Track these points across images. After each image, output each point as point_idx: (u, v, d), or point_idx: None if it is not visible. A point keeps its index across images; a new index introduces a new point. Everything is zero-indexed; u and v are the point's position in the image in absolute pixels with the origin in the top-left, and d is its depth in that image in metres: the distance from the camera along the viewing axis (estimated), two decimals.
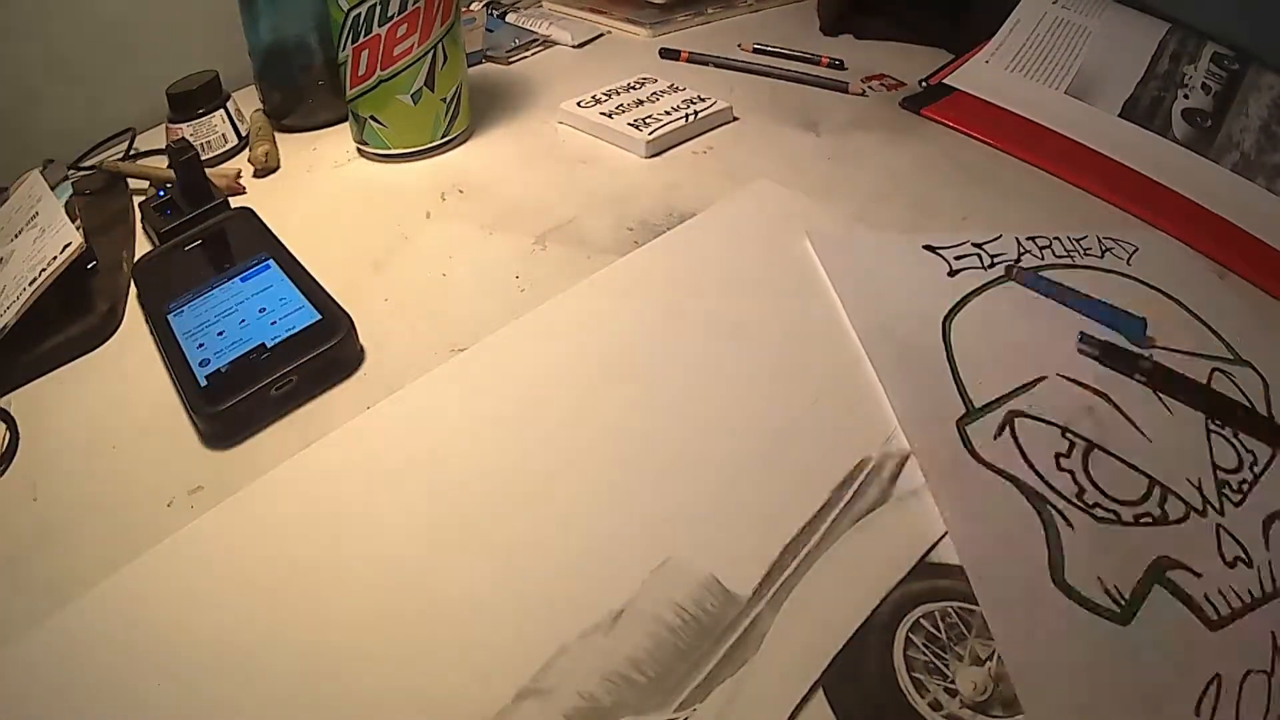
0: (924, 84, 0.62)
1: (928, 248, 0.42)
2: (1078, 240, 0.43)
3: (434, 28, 0.49)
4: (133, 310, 0.43)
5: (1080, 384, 0.34)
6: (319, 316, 0.38)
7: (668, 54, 0.64)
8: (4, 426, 0.36)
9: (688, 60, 0.64)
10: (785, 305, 0.40)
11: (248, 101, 0.59)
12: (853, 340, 0.37)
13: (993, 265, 0.41)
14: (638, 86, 0.57)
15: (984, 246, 0.43)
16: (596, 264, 0.42)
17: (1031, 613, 0.26)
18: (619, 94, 0.56)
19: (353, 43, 0.48)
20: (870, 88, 0.62)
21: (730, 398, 0.35)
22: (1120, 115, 0.56)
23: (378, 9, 0.47)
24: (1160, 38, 0.61)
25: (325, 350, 0.37)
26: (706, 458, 0.32)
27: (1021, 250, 0.42)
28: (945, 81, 0.61)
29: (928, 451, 0.31)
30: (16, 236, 0.47)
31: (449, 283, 0.42)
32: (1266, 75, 0.60)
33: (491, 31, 0.67)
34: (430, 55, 0.49)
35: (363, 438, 0.34)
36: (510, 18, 0.70)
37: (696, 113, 0.54)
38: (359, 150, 0.54)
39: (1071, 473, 0.31)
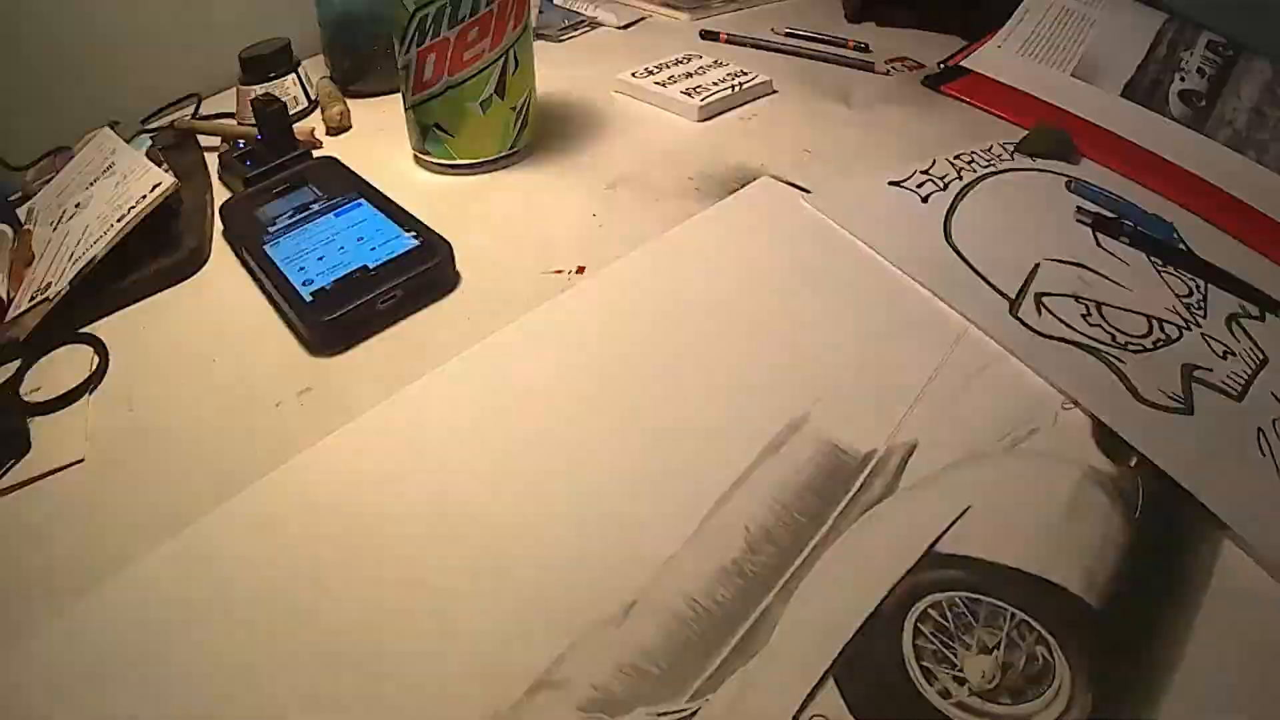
0: (942, 66, 0.66)
1: (892, 183, 0.48)
2: (986, 150, 0.53)
3: (506, 31, 0.46)
4: (219, 250, 0.45)
5: (1064, 261, 0.43)
6: (417, 242, 0.41)
7: (708, 35, 0.68)
8: (92, 350, 0.38)
9: (726, 41, 0.68)
10: (800, 293, 0.41)
11: (314, 71, 0.61)
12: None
13: (945, 187, 0.48)
14: (684, 61, 0.61)
15: (930, 172, 0.50)
16: (664, 206, 0.46)
17: (1144, 424, 0.33)
18: (668, 67, 0.60)
19: (418, 45, 0.45)
20: (894, 68, 0.66)
21: (743, 390, 0.35)
22: (1121, 95, 0.61)
23: (448, 10, 0.44)
24: (1158, 27, 0.66)
25: (427, 269, 0.39)
26: (713, 451, 0.32)
27: (956, 168, 0.50)
28: (962, 64, 0.66)
29: (1010, 341, 0.37)
30: (92, 184, 0.49)
31: (533, 219, 0.45)
32: (1257, 61, 0.65)
33: (543, 12, 0.71)
34: (502, 60, 0.47)
35: (394, 413, 0.34)
36: (559, 0, 0.73)
37: (740, 84, 0.57)
38: (416, 159, 0.51)
39: (1100, 325, 0.38)
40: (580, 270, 0.41)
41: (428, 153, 0.50)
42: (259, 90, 0.55)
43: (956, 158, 0.51)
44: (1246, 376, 0.37)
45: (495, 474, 0.31)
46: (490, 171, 0.50)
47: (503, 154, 0.50)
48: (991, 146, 0.53)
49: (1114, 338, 0.38)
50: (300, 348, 0.37)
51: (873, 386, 0.35)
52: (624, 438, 0.33)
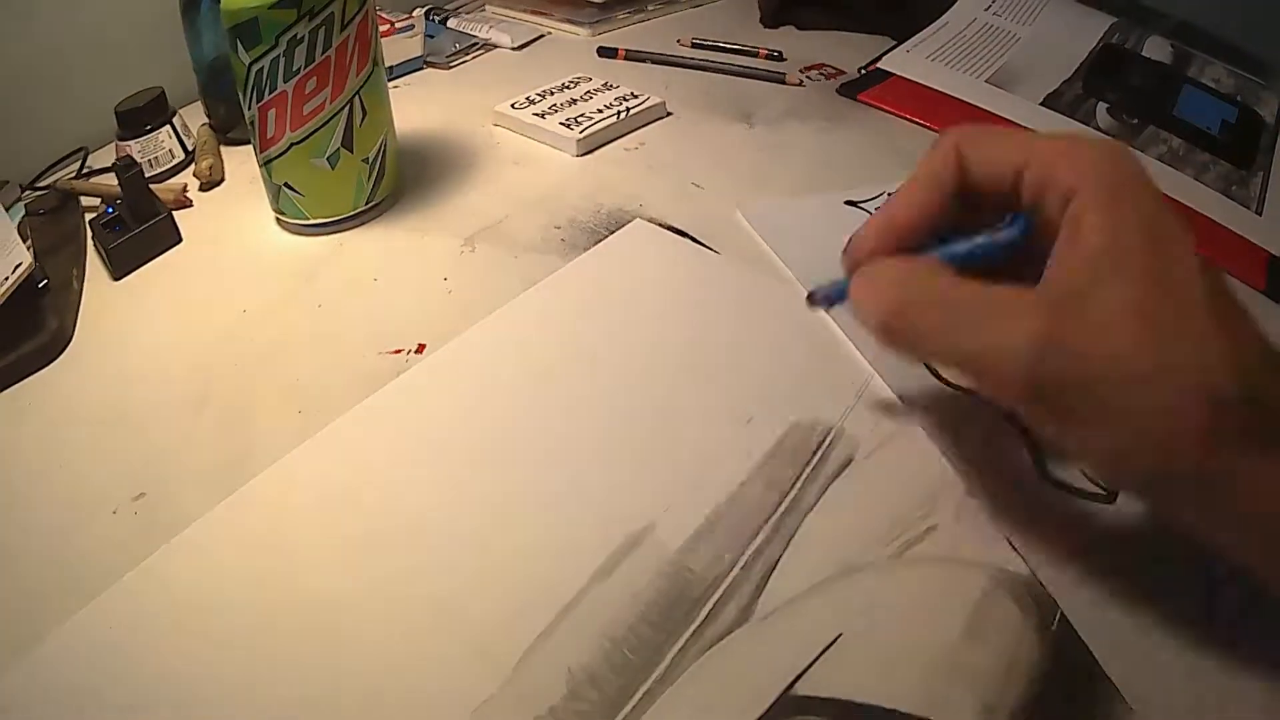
0: (863, 70, 0.63)
1: (850, 203, 0.47)
2: None
3: (348, 79, 0.43)
4: (86, 325, 0.44)
5: None
6: None
7: (605, 52, 0.66)
8: None
9: (625, 58, 0.65)
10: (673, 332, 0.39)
11: (196, 116, 0.60)
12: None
13: None
14: (572, 86, 0.58)
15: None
16: (522, 265, 0.44)
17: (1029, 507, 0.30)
18: (553, 94, 0.57)
19: (258, 100, 0.43)
20: (809, 77, 0.63)
21: (576, 500, 0.32)
22: (1042, 105, 0.58)
23: (281, 62, 0.41)
24: (1091, 46, 0.63)
25: None
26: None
27: None
28: (880, 66, 0.63)
29: (907, 389, 0.35)
30: None
31: (382, 284, 0.44)
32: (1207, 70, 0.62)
33: (432, 37, 0.68)
34: (346, 111, 0.44)
35: (298, 467, 0.33)
36: (452, 22, 0.71)
37: (629, 109, 0.55)
38: (278, 220, 0.49)
39: None
40: (420, 349, 0.39)
41: (283, 212, 0.48)
42: (134, 146, 0.54)
43: None
44: None
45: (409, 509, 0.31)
46: (346, 230, 0.48)
47: (359, 209, 0.48)
48: None
49: None
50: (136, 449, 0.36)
51: (733, 484, 0.31)
52: (435, 565, 0.29)
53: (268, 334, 0.41)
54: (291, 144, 0.44)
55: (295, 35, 0.41)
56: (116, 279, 0.47)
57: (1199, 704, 0.24)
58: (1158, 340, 0.20)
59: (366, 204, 0.48)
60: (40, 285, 0.47)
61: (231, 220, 0.49)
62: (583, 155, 0.53)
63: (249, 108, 0.44)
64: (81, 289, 0.47)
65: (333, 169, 0.45)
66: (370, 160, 0.47)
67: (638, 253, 0.44)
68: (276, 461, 0.34)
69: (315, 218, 0.47)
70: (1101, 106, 0.57)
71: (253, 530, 0.31)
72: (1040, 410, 0.22)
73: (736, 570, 0.28)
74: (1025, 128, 0.54)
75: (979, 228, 0.26)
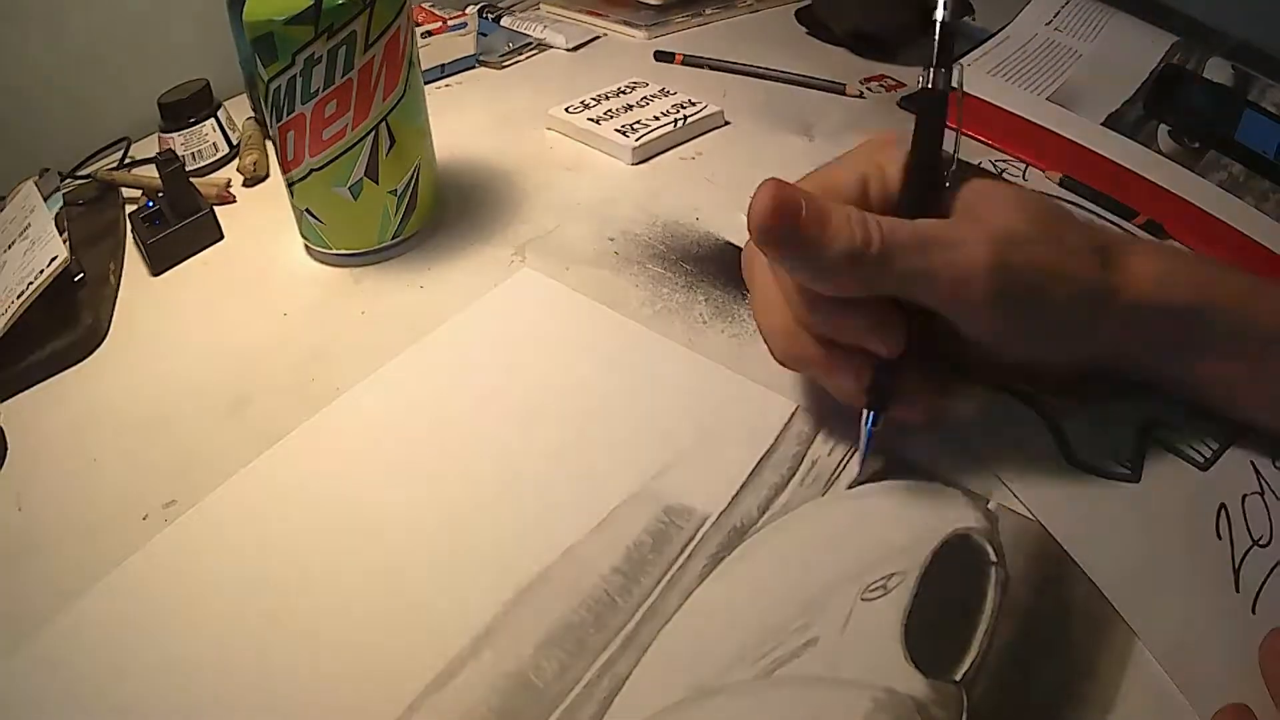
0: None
1: None
2: (975, 166, 0.49)
3: (374, 104, 0.39)
4: (121, 321, 0.43)
5: None
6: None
7: (662, 56, 0.63)
8: None
9: (683, 63, 0.63)
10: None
11: (242, 110, 0.59)
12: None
13: None
14: (628, 91, 0.56)
15: None
16: (574, 276, 0.42)
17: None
18: (609, 99, 0.55)
19: (278, 120, 0.39)
20: (869, 89, 0.60)
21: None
22: (1103, 125, 0.55)
23: (299, 82, 0.37)
24: (1152, 66, 0.60)
25: None
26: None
27: None
28: None
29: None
30: (9, 248, 0.47)
31: (425, 295, 0.42)
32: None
33: (485, 35, 0.67)
34: (371, 138, 0.40)
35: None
36: (505, 21, 0.69)
37: (686, 118, 0.53)
38: (306, 247, 0.45)
39: None
40: None
41: (306, 238, 0.44)
42: (177, 138, 0.53)
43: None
44: (1220, 443, 0.32)
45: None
46: (370, 264, 0.44)
47: (383, 244, 0.43)
48: (980, 163, 0.50)
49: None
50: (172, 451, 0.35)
51: (591, 583, 0.27)
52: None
53: (309, 338, 0.40)
54: (311, 170, 0.40)
55: (313, 54, 0.37)
56: (155, 274, 0.46)
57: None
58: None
59: (393, 239, 0.44)
60: (76, 279, 0.45)
61: (275, 218, 0.47)
62: (638, 163, 0.51)
63: (271, 126, 0.40)
64: (119, 284, 0.46)
65: (355, 200, 0.41)
66: (399, 192, 0.42)
67: (521, 306, 0.40)
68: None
69: (338, 249, 0.43)
70: (1163, 129, 0.55)
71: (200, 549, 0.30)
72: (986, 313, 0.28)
73: (579, 688, 0.24)
74: (1091, 150, 0.52)
75: None
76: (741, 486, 0.30)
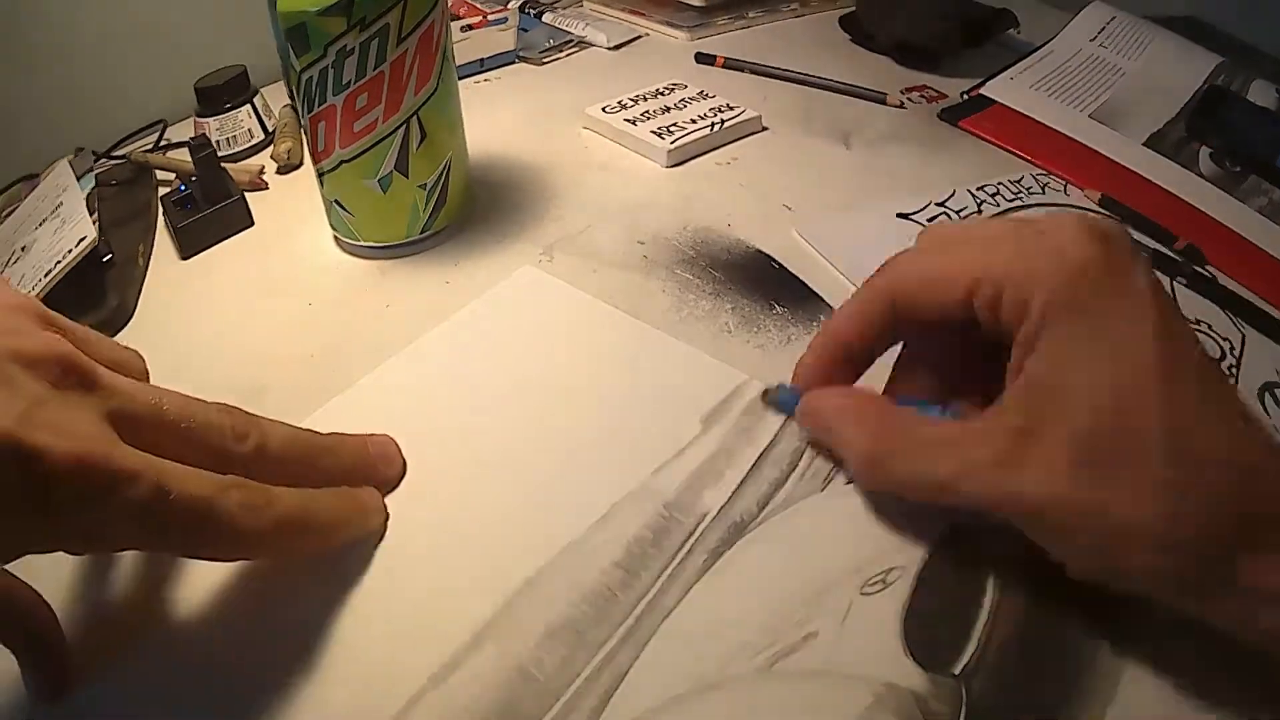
0: (965, 95, 0.59)
1: (901, 215, 0.45)
2: (1016, 181, 0.49)
3: (405, 97, 0.38)
4: (147, 301, 0.43)
5: None
6: None
7: (703, 58, 0.62)
8: None
9: (723, 65, 0.62)
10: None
11: (279, 97, 0.59)
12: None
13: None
14: (666, 92, 0.55)
15: (946, 204, 0.46)
16: (602, 278, 0.41)
17: None
18: (646, 99, 0.54)
19: (308, 111, 0.39)
20: (910, 99, 0.59)
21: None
22: (1145, 145, 0.54)
23: (330, 74, 0.37)
24: (1196, 86, 0.58)
25: None
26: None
27: (978, 201, 0.47)
28: (982, 92, 0.59)
29: None
30: (40, 225, 0.48)
31: (451, 290, 0.41)
32: None
33: (526, 31, 0.66)
34: (401, 132, 0.39)
35: None
36: (547, 17, 0.69)
37: (723, 122, 0.52)
38: (334, 238, 0.45)
39: None
40: None
41: (335, 229, 0.44)
42: (213, 123, 0.53)
43: (980, 189, 0.47)
44: None
45: None
46: (398, 257, 0.43)
47: (412, 238, 0.43)
48: (1023, 177, 0.49)
49: None
50: None
51: (593, 577, 0.27)
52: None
53: (332, 329, 0.39)
54: (341, 161, 0.40)
55: (345, 46, 0.36)
56: (184, 258, 0.46)
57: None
58: (1091, 480, 0.20)
59: (422, 233, 0.43)
60: (105, 259, 0.45)
61: (306, 207, 0.46)
62: (672, 166, 0.50)
63: (302, 116, 0.40)
64: (147, 266, 0.46)
65: (384, 192, 0.41)
66: (428, 186, 0.42)
67: (520, 303, 0.40)
68: None
69: (366, 240, 0.43)
70: (1204, 152, 0.53)
71: None
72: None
73: (579, 681, 0.24)
74: (1132, 170, 0.51)
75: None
76: (741, 482, 0.30)
